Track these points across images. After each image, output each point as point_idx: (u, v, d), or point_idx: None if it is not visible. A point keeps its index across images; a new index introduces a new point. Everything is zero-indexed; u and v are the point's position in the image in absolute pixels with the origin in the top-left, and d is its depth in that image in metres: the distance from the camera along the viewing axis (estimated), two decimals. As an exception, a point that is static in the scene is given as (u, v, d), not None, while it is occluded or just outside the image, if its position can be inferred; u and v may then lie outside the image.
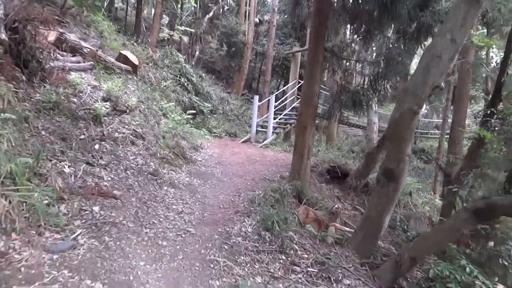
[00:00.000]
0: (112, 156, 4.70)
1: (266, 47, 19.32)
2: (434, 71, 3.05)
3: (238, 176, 6.12)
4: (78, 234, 2.86)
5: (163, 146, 6.10)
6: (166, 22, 19.29)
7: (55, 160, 3.82)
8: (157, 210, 3.90)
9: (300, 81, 11.82)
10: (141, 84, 9.41)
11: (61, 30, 7.87)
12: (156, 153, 5.56)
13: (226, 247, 3.47)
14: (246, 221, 4.09)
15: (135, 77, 9.52)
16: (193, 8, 18.95)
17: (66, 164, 3.87)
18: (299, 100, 5.39)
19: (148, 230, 3.36)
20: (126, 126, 5.82)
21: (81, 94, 5.79)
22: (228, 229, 3.85)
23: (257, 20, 20.41)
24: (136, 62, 9.84)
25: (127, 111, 6.47)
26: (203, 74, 12.80)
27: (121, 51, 9.81)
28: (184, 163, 5.99)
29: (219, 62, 20.77)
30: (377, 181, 3.70)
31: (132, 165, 4.75)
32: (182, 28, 10.84)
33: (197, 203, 4.50)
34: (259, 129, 11.26)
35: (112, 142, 5.07)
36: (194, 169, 5.93)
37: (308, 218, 4.61)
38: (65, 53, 7.51)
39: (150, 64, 10.78)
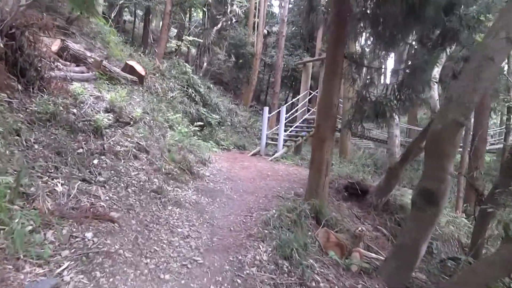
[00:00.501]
0: (112, 172, 4.27)
1: (275, 58, 19.05)
2: (485, 76, 2.60)
3: (249, 193, 5.65)
4: (65, 268, 2.40)
5: (168, 161, 5.67)
6: (174, 34, 19.17)
7: (47, 177, 3.40)
8: (159, 235, 3.43)
9: (311, 92, 11.41)
10: (147, 95, 9.08)
11: (65, 39, 7.60)
12: (161, 168, 5.13)
13: (239, 280, 2.98)
14: (261, 247, 3.60)
15: (141, 87, 9.20)
16: (201, 20, 18.83)
17: (59, 182, 3.45)
18: (316, 111, 4.92)
19: (148, 260, 2.89)
20: (129, 139, 5.41)
21: (82, 104, 5.43)
22: (240, 257, 3.36)
23: (265, 31, 20.20)
24: (143, 73, 9.55)
25: (131, 122, 6.08)
26: (211, 85, 12.47)
27: (127, 62, 9.54)
28: (191, 179, 5.53)
29: (227, 74, 20.54)
30: (413, 204, 3.21)
31: (133, 181, 4.31)
32: (190, 38, 10.59)
33: (205, 225, 4.02)
34: (269, 141, 10.81)
35: (113, 157, 4.65)
36: (202, 186, 5.47)
37: (329, 242, 4.10)
38: (68, 63, 7.22)
39: (157, 75, 10.48)
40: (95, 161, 4.33)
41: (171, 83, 10.15)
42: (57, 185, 3.38)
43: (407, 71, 4.97)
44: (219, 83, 19.71)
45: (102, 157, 4.50)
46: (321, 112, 5.05)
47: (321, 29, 18.68)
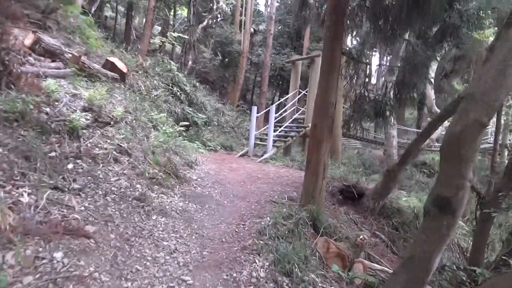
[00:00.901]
0: (89, 177, 3.82)
1: (261, 57, 18.71)
2: (512, 71, 2.33)
3: (240, 198, 5.27)
4: (26, 301, 1.98)
5: (152, 164, 5.23)
6: (158, 31, 18.58)
7: (11, 186, 2.94)
8: (143, 250, 3.02)
9: (300, 91, 11.12)
10: (129, 93, 8.58)
11: (37, 31, 7.06)
12: (144, 173, 4.69)
13: (234, 304, 2.61)
14: (257, 261, 3.23)
15: (123, 85, 8.70)
16: (185, 17, 18.29)
17: (25, 191, 3.00)
18: (313, 110, 4.60)
19: (129, 283, 2.49)
20: (109, 141, 4.95)
21: (56, 103, 4.93)
22: (235, 274, 2.99)
23: (252, 30, 19.84)
24: (125, 70, 9.04)
25: (111, 122, 5.61)
26: (197, 84, 12.03)
27: (108, 58, 9.02)
28: (177, 183, 5.12)
29: (213, 72, 20.06)
30: (425, 213, 2.91)
31: (113, 188, 3.87)
32: (175, 34, 10.12)
33: (193, 236, 3.63)
34: (257, 142, 10.46)
35: (90, 160, 4.19)
36: (189, 191, 5.06)
37: (329, 252, 3.78)
38: (42, 58, 6.69)
39: (140, 72, 9.97)
40: (70, 166, 3.87)
41: (155, 81, 9.67)
42: (22, 195, 2.93)
43: (407, 67, 4.69)
44: (205, 82, 19.22)
45: (78, 161, 4.05)
46: (317, 111, 4.72)
47: (308, 28, 18.48)
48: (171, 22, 16.58)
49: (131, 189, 4.07)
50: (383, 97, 4.55)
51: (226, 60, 17.68)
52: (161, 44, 10.63)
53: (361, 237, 4.12)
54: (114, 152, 4.76)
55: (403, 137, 18.03)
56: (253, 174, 7.20)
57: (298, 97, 11.05)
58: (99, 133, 5.12)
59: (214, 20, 20.68)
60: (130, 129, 5.96)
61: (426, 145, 18.80)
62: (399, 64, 5.18)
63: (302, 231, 3.98)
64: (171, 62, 10.88)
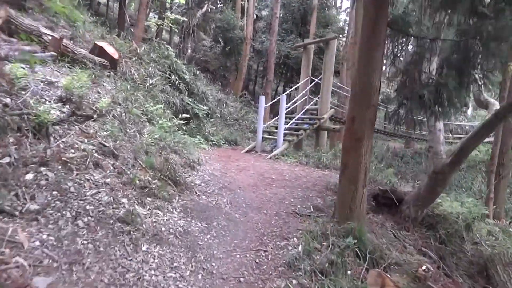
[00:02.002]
0: (55, 192, 2.78)
1: (265, 44, 17.53)
2: None
3: (255, 208, 4.24)
4: None
5: (145, 167, 4.19)
6: (154, 16, 17.35)
7: None
8: (125, 310, 2.00)
9: (313, 78, 10.02)
10: (121, 81, 7.51)
11: (11, 11, 5.97)
12: (133, 180, 3.65)
13: None
14: (294, 319, 2.21)
15: (113, 73, 7.63)
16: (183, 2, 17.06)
17: None
18: (350, 98, 3.50)
19: None
20: (90, 139, 3.90)
21: (22, 92, 3.87)
22: None
23: (254, 15, 18.61)
24: (115, 56, 7.95)
25: (95, 116, 4.55)
26: (198, 72, 10.93)
27: (97, 42, 7.93)
28: (177, 193, 4.08)
29: (213, 61, 18.88)
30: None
31: (89, 207, 2.83)
32: (173, 16, 8.99)
33: (200, 275, 2.61)
34: (265, 136, 9.41)
35: (60, 167, 3.14)
36: (192, 202, 4.02)
37: (384, 292, 2.75)
38: (14, 40, 5.62)
39: (134, 59, 8.86)
40: (29, 176, 2.83)
41: (150, 68, 8.57)
42: None
43: (472, 42, 3.60)
44: (205, 71, 18.06)
45: (42, 168, 3.00)
46: (356, 99, 3.66)
47: (315, 13, 17.26)
48: (168, 7, 15.36)
49: (114, 206, 3.03)
50: (446, 78, 3.48)
51: (228, 47, 16.51)
52: (157, 27, 9.49)
53: (423, 267, 3.09)
54: (95, 154, 3.72)
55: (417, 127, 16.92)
56: (265, 174, 6.16)
57: (310, 86, 9.96)
58: (77, 129, 4.07)
59: (214, 7, 19.44)
60: (118, 124, 4.91)
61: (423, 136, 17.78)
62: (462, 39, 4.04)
63: (345, 261, 2.95)
64: (169, 47, 9.77)
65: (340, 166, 3.88)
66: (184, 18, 9.86)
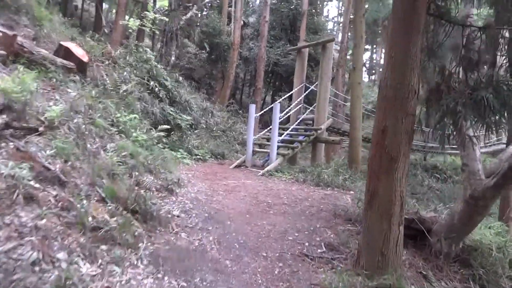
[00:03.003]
0: None
1: (253, 50, 16.71)
2: None
3: (251, 249, 3.24)
4: None
5: (104, 197, 3.14)
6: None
7: None
8: None
9: (308, 85, 9.15)
10: (90, 87, 6.46)
11: None
12: (83, 221, 2.60)
13: None
14: None
15: (81, 78, 6.59)
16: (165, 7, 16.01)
17: None
18: (378, 102, 2.53)
19: None
20: (26, 161, 2.85)
21: None
22: None
23: (241, 22, 17.80)
24: (85, 58, 6.93)
25: (41, 128, 3.51)
26: (181, 78, 9.93)
27: (62, 43, 6.90)
28: (146, 232, 3.04)
29: (199, 69, 17.91)
30: None
31: (-6, 275, 1.78)
32: (152, 15, 8.04)
33: None
34: (256, 149, 8.45)
35: (-39, 207, 2.09)
36: (166, 246, 2.98)
37: None
38: None
39: (107, 63, 7.82)
40: None
41: (125, 73, 7.53)
42: None
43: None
44: (190, 80, 17.06)
45: None
46: (387, 104, 2.74)
47: (305, 19, 16.57)
48: (151, 9, 14.38)
49: (42, 267, 1.98)
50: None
51: (214, 54, 15.58)
52: (138, 31, 8.48)
53: None
54: (31, 183, 2.67)
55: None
56: (259, 197, 5.18)
57: (306, 93, 9.07)
58: (11, 147, 3.03)
59: (199, 12, 18.55)
60: (75, 138, 3.86)
61: (428, 147, 17.15)
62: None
63: None
64: (148, 50, 8.75)
65: (365, 195, 2.93)
66: (165, 18, 8.91)
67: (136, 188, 4.11)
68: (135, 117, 6.13)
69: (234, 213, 4.25)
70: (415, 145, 16.18)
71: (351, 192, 6.33)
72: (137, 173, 4.39)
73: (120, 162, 4.17)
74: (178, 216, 3.71)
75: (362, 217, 3.00)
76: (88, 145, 4.12)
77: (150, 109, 7.83)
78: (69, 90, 5.50)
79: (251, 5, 21.31)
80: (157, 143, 7.67)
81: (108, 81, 6.78)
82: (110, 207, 3.00)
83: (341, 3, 36.44)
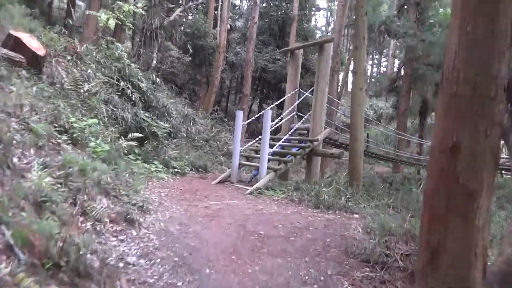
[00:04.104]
0: None
1: (240, 55, 15.75)
2: None
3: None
4: None
5: (12, 245, 2.00)
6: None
7: None
8: None
9: (302, 91, 8.18)
10: (44, 85, 5.33)
11: None
12: None
13: None
14: None
15: (31, 73, 5.45)
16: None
17: None
18: (437, 109, 1.44)
19: None
20: None
21: None
22: None
23: (228, 26, 16.85)
24: (40, 52, 5.83)
25: None
26: (159, 80, 8.80)
27: (12, 32, 5.80)
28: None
29: (182, 74, 16.78)
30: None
31: None
32: (126, 7, 6.97)
33: None
34: (243, 161, 7.38)
35: None
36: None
37: None
38: None
39: (69, 58, 6.65)
40: None
41: (89, 71, 6.37)
42: None
43: None
44: (173, 85, 15.89)
45: None
46: (459, 106, 1.74)
47: (295, 23, 15.78)
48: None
49: None
50: None
51: (198, 58, 14.52)
52: (107, 22, 7.35)
53: None
54: None
55: (406, 150, 15.56)
56: (248, 225, 4.10)
57: (300, 99, 8.09)
58: None
59: (183, 14, 17.47)
60: (-10, 151, 2.72)
61: (413, 159, 16.51)
62: None
63: None
64: (119, 45, 7.62)
65: (422, 248, 1.89)
66: (142, 11, 7.84)
67: (81, 219, 2.99)
68: (94, 122, 4.98)
69: (216, 253, 3.15)
70: (408, 157, 15.53)
71: (356, 215, 5.33)
72: (85, 198, 3.26)
73: (59, 182, 3.04)
74: (133, 265, 2.58)
75: (417, 278, 1.95)
76: (16, 160, 2.99)
77: (119, 114, 6.69)
78: (12, 88, 4.37)
79: (238, 9, 20.43)
80: (126, 154, 6.54)
81: (65, 79, 5.61)
82: (16, 264, 1.87)
83: (329, 13, 36.20)
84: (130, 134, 6.33)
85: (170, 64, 16.07)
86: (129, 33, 13.44)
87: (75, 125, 4.56)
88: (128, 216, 3.32)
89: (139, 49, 11.12)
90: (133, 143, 6.30)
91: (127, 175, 5.08)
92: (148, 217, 3.79)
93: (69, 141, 4.36)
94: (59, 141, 4.05)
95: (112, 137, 5.68)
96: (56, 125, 4.26)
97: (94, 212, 3.09)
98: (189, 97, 15.44)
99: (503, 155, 17.44)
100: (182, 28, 13.77)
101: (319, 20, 39.13)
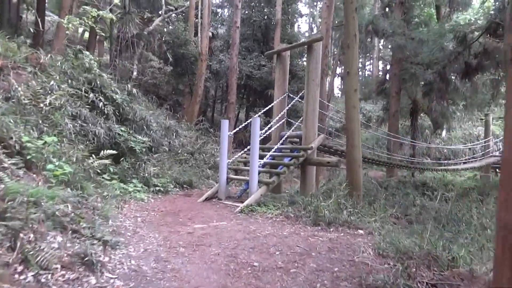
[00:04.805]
0: None
1: (224, 63, 15.17)
2: None
3: None
4: None
5: None
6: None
7: None
8: None
9: (290, 95, 7.61)
10: (-3, 101, 4.61)
11: None
12: None
13: None
14: None
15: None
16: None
17: None
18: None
19: None
20: None
21: None
22: None
23: (210, 34, 16.28)
24: (-6, 63, 5.08)
25: None
26: (136, 91, 8.11)
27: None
28: None
29: (164, 85, 16.10)
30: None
31: None
32: (95, 13, 6.29)
33: None
34: (231, 175, 6.71)
35: None
36: None
37: None
38: None
39: (31, 70, 5.93)
40: None
41: (52, 82, 5.65)
42: None
43: None
44: (154, 96, 15.17)
45: None
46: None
47: (279, 28, 15.34)
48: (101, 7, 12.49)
49: None
50: None
51: (180, 67, 13.88)
52: (73, 28, 6.66)
53: None
54: None
55: (399, 152, 15.13)
56: (239, 254, 3.44)
57: (290, 104, 7.49)
58: None
59: (162, 23, 16.85)
60: None
61: (416, 163, 16.14)
62: None
63: None
64: (89, 55, 6.93)
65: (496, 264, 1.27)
66: (112, 16, 7.19)
67: (19, 269, 2.28)
68: (54, 141, 4.27)
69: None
70: (401, 160, 15.09)
71: (360, 231, 4.73)
72: (30, 237, 2.57)
73: (-9, 222, 2.34)
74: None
75: None
76: None
77: (90, 129, 5.97)
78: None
79: (220, 16, 19.94)
80: (100, 174, 5.82)
81: (21, 92, 4.89)
82: None
83: (311, 19, 36.10)
84: (102, 151, 5.63)
85: (151, 75, 15.39)
86: (108, 45, 12.73)
87: (29, 145, 3.85)
88: (86, 259, 2.62)
89: (115, 59, 10.40)
90: (107, 161, 5.60)
91: (97, 199, 4.39)
92: (116, 254, 3.09)
93: (22, 165, 3.66)
94: (5, 165, 3.34)
95: (79, 157, 4.97)
96: (2, 146, 3.55)
97: (39, 257, 2.40)
98: (173, 109, 14.75)
99: (496, 153, 17.26)
100: (162, 37, 13.09)
101: (302, 26, 39.03)
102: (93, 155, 5.41)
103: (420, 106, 15.09)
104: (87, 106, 6.12)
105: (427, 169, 14.24)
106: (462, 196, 14.18)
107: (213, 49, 17.34)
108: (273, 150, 6.58)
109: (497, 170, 16.79)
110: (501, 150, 17.60)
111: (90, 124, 6.02)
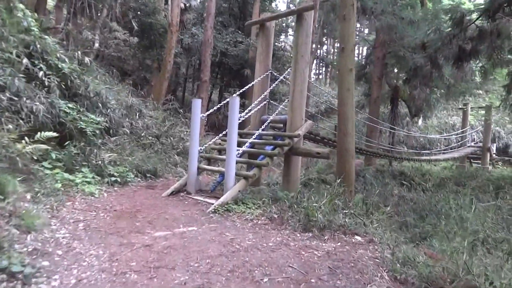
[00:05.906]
0: None
1: (197, 37, 13.82)
2: None
3: None
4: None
5: None
6: None
7: None
8: None
9: (275, 74, 6.60)
10: None
11: None
12: None
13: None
14: None
15: None
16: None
17: None
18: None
19: None
20: None
21: None
22: None
23: (182, 5, 14.77)
24: None
25: None
26: (89, 61, 6.78)
27: None
28: None
29: (131, 59, 14.51)
30: None
31: None
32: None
33: None
34: (203, 165, 5.70)
35: None
36: None
37: None
38: None
39: None
40: None
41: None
42: None
43: None
44: (122, 74, 13.60)
45: None
46: None
47: (257, 3, 14.12)
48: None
49: None
50: None
51: (147, 39, 12.42)
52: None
53: None
54: None
55: (378, 140, 14.61)
56: (213, 281, 2.51)
57: (274, 84, 6.49)
58: None
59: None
60: None
61: (394, 152, 15.80)
62: None
63: None
64: (27, 11, 5.54)
65: None
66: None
67: None
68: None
69: None
70: (384, 149, 14.64)
71: (358, 237, 3.95)
72: None
73: None
74: None
75: None
76: None
77: (25, 105, 4.71)
78: None
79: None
80: (39, 161, 4.65)
81: None
82: None
83: (289, -2, 34.73)
84: (40, 132, 4.44)
85: (116, 48, 13.77)
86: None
87: None
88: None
89: (68, 22, 8.87)
90: (44, 146, 4.41)
91: (22, 199, 3.27)
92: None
93: None
94: None
95: (4, 141, 3.77)
96: None
97: None
98: (140, 86, 13.30)
99: (472, 144, 17.25)
100: (126, 2, 11.52)
101: (280, 5, 37.57)
102: (26, 138, 4.22)
103: (401, 92, 14.58)
104: (21, 76, 4.82)
105: (409, 159, 13.85)
106: (439, 186, 14.00)
107: (185, 22, 15.84)
108: (254, 137, 5.60)
109: (472, 160, 16.83)
110: (478, 140, 17.59)
111: (25, 98, 4.75)
